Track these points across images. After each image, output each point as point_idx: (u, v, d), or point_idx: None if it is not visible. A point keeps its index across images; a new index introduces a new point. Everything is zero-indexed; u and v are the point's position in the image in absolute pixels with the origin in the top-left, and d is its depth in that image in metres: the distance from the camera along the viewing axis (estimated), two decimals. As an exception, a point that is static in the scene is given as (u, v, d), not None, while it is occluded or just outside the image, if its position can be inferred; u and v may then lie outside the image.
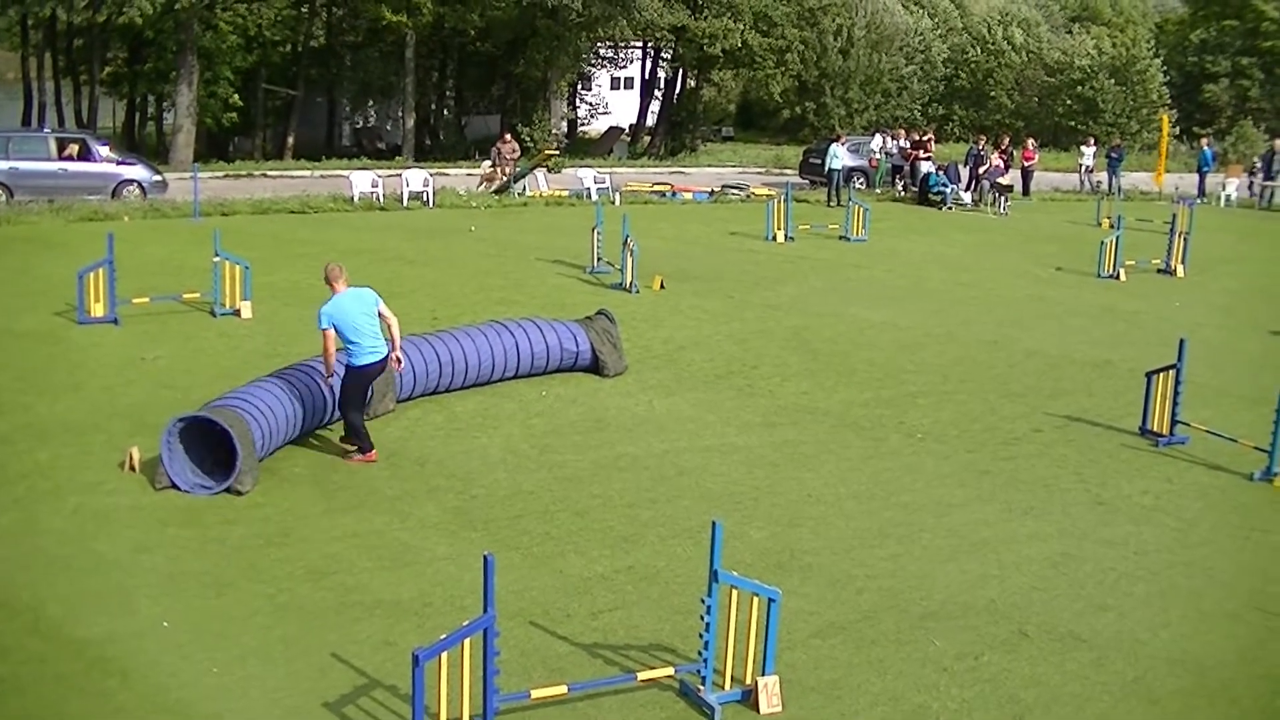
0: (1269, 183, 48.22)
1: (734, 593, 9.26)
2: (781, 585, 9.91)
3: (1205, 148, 50.64)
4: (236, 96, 54.00)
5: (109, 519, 12.55)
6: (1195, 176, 49.51)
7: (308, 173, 46.73)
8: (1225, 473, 15.42)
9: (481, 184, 40.45)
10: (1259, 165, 49.36)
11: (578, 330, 18.39)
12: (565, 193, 39.55)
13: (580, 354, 18.31)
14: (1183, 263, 30.10)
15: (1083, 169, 49.90)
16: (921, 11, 77.75)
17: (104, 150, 35.76)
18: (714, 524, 9.04)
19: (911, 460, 15.30)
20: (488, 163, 42.34)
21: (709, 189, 42.42)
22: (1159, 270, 30.06)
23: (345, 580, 11.31)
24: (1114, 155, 49.14)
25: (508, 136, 42.82)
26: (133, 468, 13.72)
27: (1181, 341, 16.40)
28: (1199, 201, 43.82)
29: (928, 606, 11.25)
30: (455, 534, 12.43)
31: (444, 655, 8.23)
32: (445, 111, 68.48)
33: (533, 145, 52.21)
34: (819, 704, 9.50)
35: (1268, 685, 10.16)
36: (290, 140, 57.57)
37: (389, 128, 66.88)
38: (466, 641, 8.30)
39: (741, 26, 59.04)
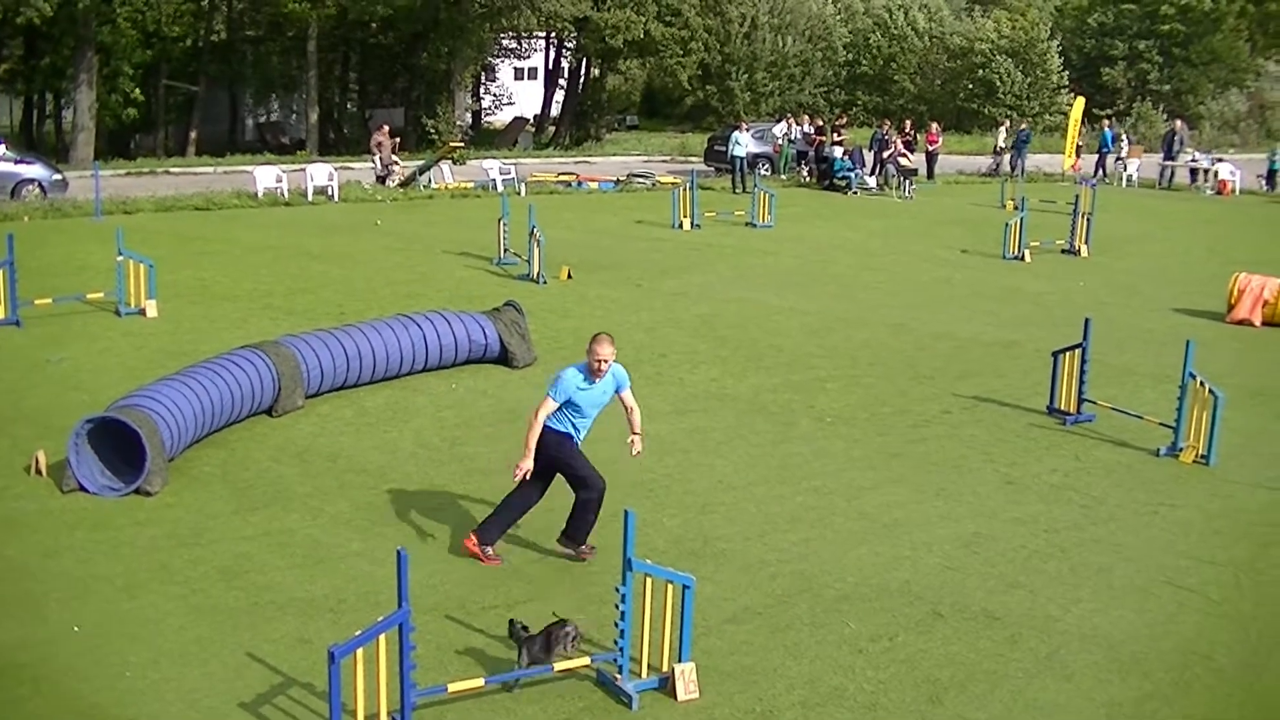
0: (1169, 163, 48.97)
1: (648, 580, 9.27)
2: (695, 572, 9.93)
3: (1106, 129, 51.36)
4: (138, 92, 53.31)
5: (16, 524, 12.36)
6: (1096, 157, 50.20)
7: (211, 169, 46.23)
8: (1132, 449, 15.64)
9: (387, 179, 40.20)
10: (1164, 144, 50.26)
11: (485, 322, 18.34)
12: (471, 185, 39.43)
13: (489, 346, 18.26)
14: (1086, 243, 30.53)
15: (996, 151, 50.45)
16: (823, -2, 78.29)
17: (1, 149, 35.20)
18: (626, 513, 9.05)
19: (822, 444, 15.40)
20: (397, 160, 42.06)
21: (615, 178, 42.43)
22: (1063, 251, 30.45)
23: (258, 579, 11.22)
24: (1020, 137, 49.70)
25: (385, 128, 42.39)
26: (40, 471, 13.52)
27: (1086, 321, 16.64)
28: (1097, 181, 44.37)
29: (841, 589, 11.32)
30: (368, 529, 12.37)
31: (360, 651, 8.18)
32: (349, 105, 68.02)
33: (437, 138, 51.96)
34: (735, 689, 9.54)
35: (1178, 658, 10.31)
36: (193, 136, 56.93)
37: (292, 122, 66.30)
38: (382, 637, 8.25)
39: (645, 18, 59.06)
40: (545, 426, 11.42)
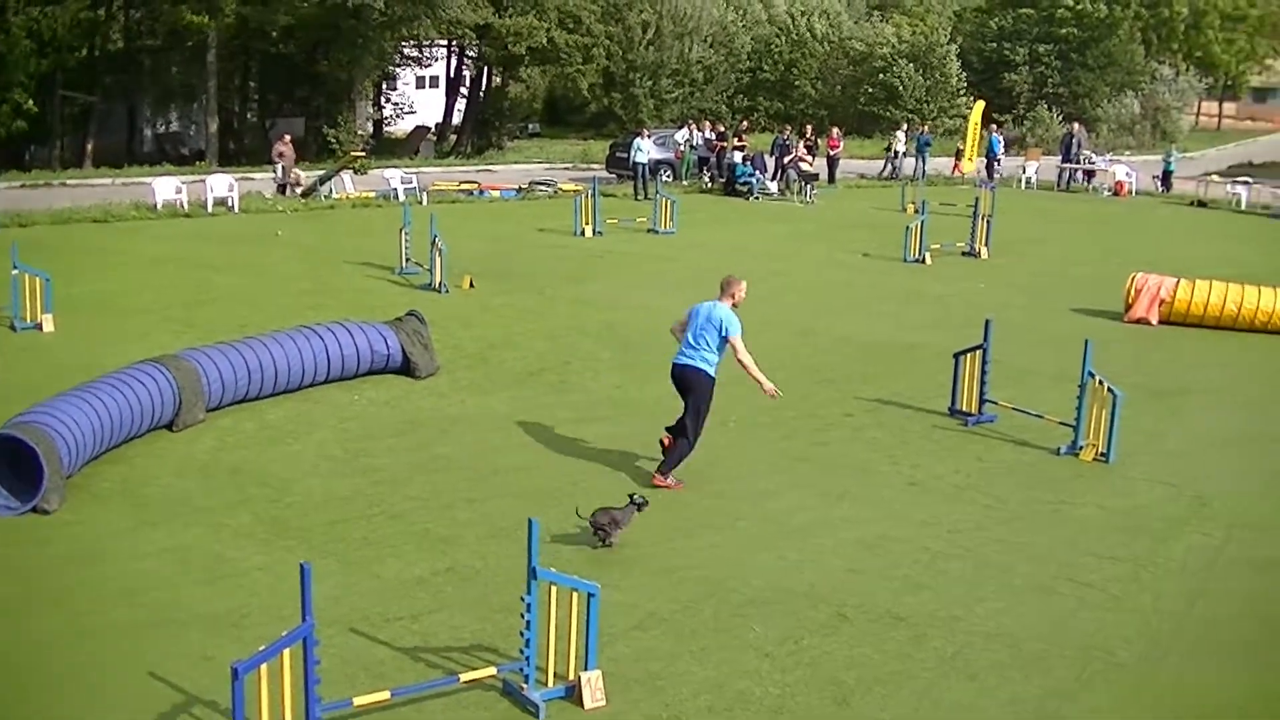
0: (1067, 164, 49.63)
1: (553, 589, 9.26)
2: (600, 579, 9.92)
3: (994, 135, 52.02)
4: (30, 104, 52.44)
5: (-94, 545, 12.15)
6: (996, 161, 50.78)
7: (109, 181, 45.50)
8: (1033, 448, 15.85)
9: (288, 189, 39.83)
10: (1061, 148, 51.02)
11: (388, 332, 18.25)
12: (372, 194, 39.19)
13: (391, 356, 18.18)
14: (986, 245, 30.88)
15: (893, 155, 50.91)
16: (726, 4, 78.49)
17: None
18: (530, 521, 9.04)
19: (726, 450, 15.44)
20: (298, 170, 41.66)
21: (517, 186, 42.33)
22: (964, 253, 30.79)
23: (160, 596, 11.08)
24: (922, 141, 50.18)
25: (287, 138, 41.99)
26: (-69, 491, 13.29)
27: (987, 322, 16.85)
28: (995, 184, 44.86)
29: (747, 594, 11.37)
30: (271, 543, 12.26)
31: (263, 667, 8.10)
32: (249, 115, 67.31)
33: (338, 147, 51.60)
34: (642, 696, 9.55)
35: (1080, 654, 10.45)
36: (90, 148, 56.00)
37: (192, 133, 65.50)
38: (286, 652, 8.18)
39: (547, 25, 58.98)
40: (704, 368, 13.94)
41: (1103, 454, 15.45)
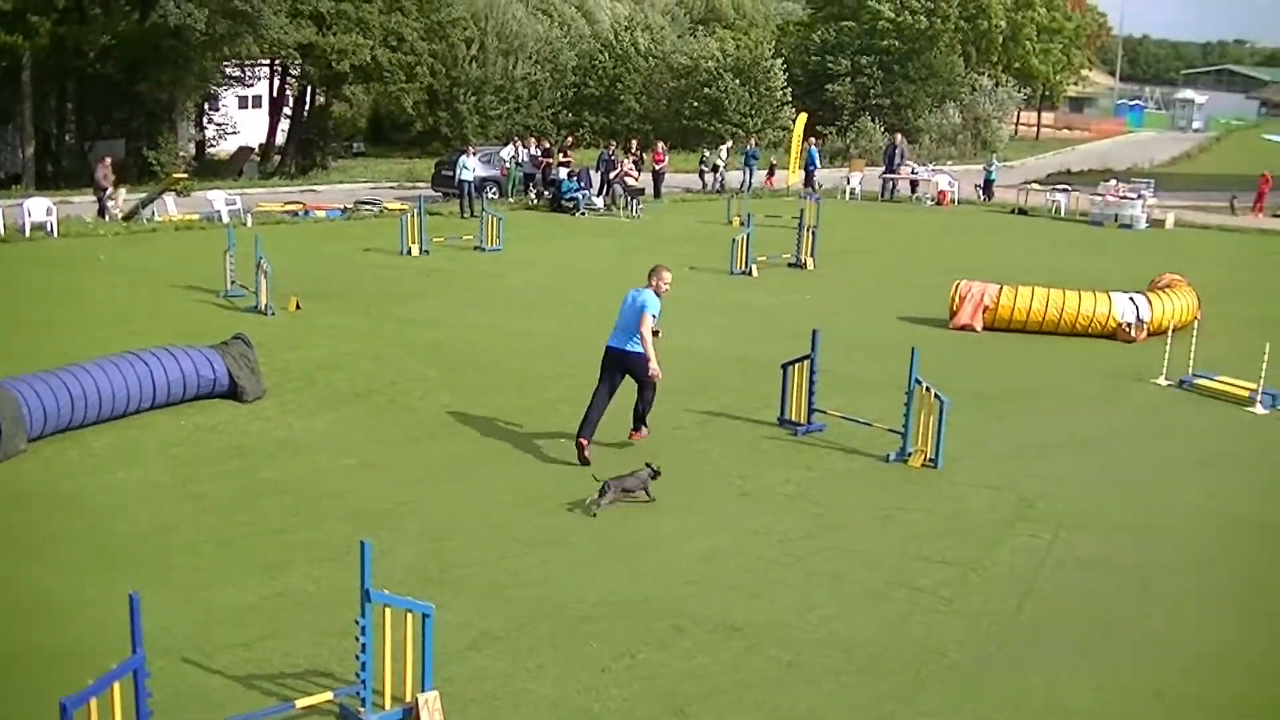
0: (890, 175, 50.52)
1: (387, 611, 9.25)
2: (434, 600, 9.93)
3: (812, 148, 52.82)
4: None
5: None
6: (825, 172, 51.54)
7: (-83, 206, 44.37)
8: (862, 456, 16.16)
9: (107, 212, 39.04)
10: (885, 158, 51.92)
11: (213, 356, 18.02)
12: (196, 216, 38.56)
13: (217, 380, 17.95)
14: (812, 256, 31.33)
15: (714, 168, 51.37)
16: (550, 20, 78.69)
17: None
18: (362, 543, 9.02)
19: (557, 466, 15.51)
20: (122, 192, 40.79)
21: (342, 206, 41.97)
22: (790, 264, 31.22)
23: (-20, 632, 10.86)
24: (749, 154, 50.74)
25: (108, 160, 41.15)
26: None
27: (814, 332, 17.15)
28: (818, 196, 45.52)
29: (582, 610, 11.44)
30: (99, 574, 12.03)
31: (93, 702, 7.96)
32: (67, 137, 65.82)
33: (160, 169, 50.78)
34: (480, 715, 9.57)
35: (913, 657, 10.70)
36: (-100, 172, 54.58)
37: (7, 155, 63.97)
38: (116, 685, 8.07)
39: (371, 43, 58.60)
40: (634, 350, 15.56)
41: (930, 460, 15.81)
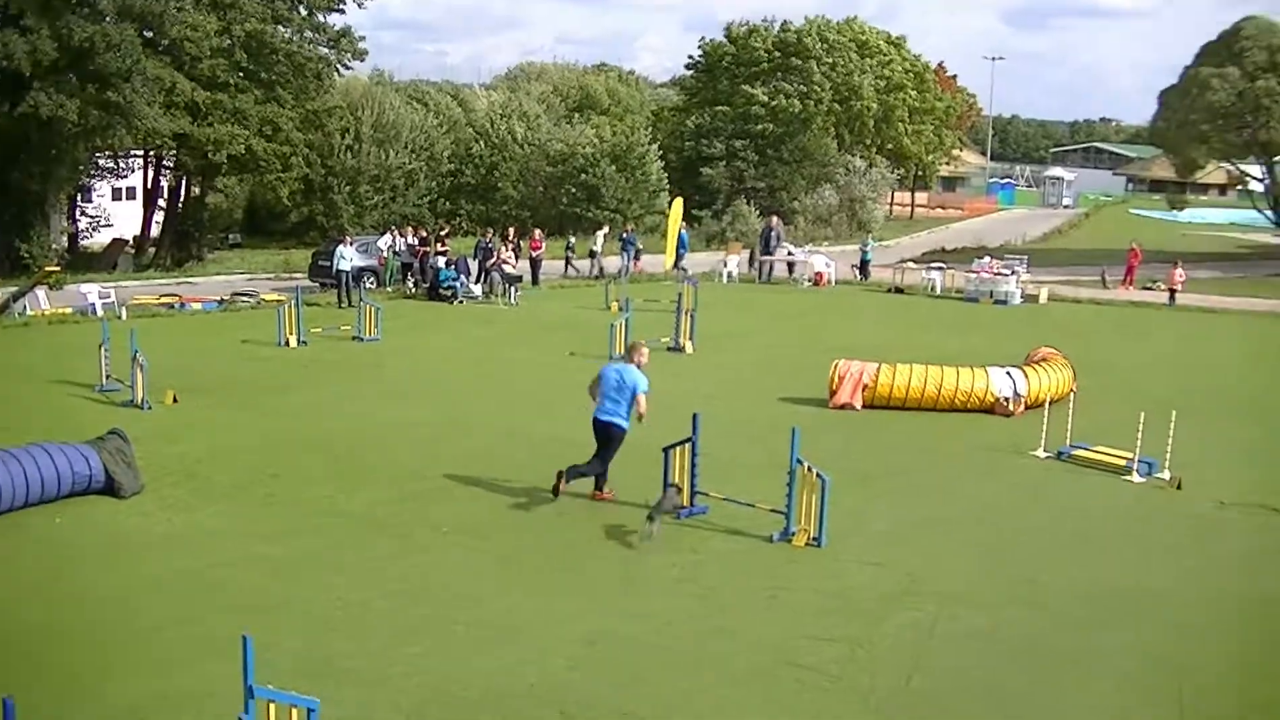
0: (767, 257, 50.98)
1: (271, 707, 9.10)
2: (318, 693, 9.78)
3: (682, 232, 53.25)
4: None
5: None
6: (702, 255, 51.93)
7: None
8: (746, 537, 16.20)
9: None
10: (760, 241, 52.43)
11: (89, 452, 17.71)
12: (69, 310, 38.01)
13: (93, 476, 17.62)
14: (691, 339, 31.45)
15: (591, 254, 51.58)
16: (426, 109, 78.89)
17: None
18: (245, 638, 8.89)
19: (440, 555, 15.41)
20: None
21: (219, 298, 41.59)
22: (669, 348, 31.29)
23: None
24: (626, 239, 51.00)
25: None
26: None
27: (695, 415, 17.19)
28: (695, 279, 45.82)
29: (468, 698, 11.35)
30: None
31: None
32: (-65, 229, 64.85)
33: (31, 262, 50.06)
34: (364, 811, 9.43)
35: (799, 736, 10.70)
36: None
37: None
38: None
39: (246, 133, 58.35)
40: (621, 422, 17.53)
41: (814, 539, 15.89)
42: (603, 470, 17.92)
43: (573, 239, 54.22)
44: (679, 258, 51.93)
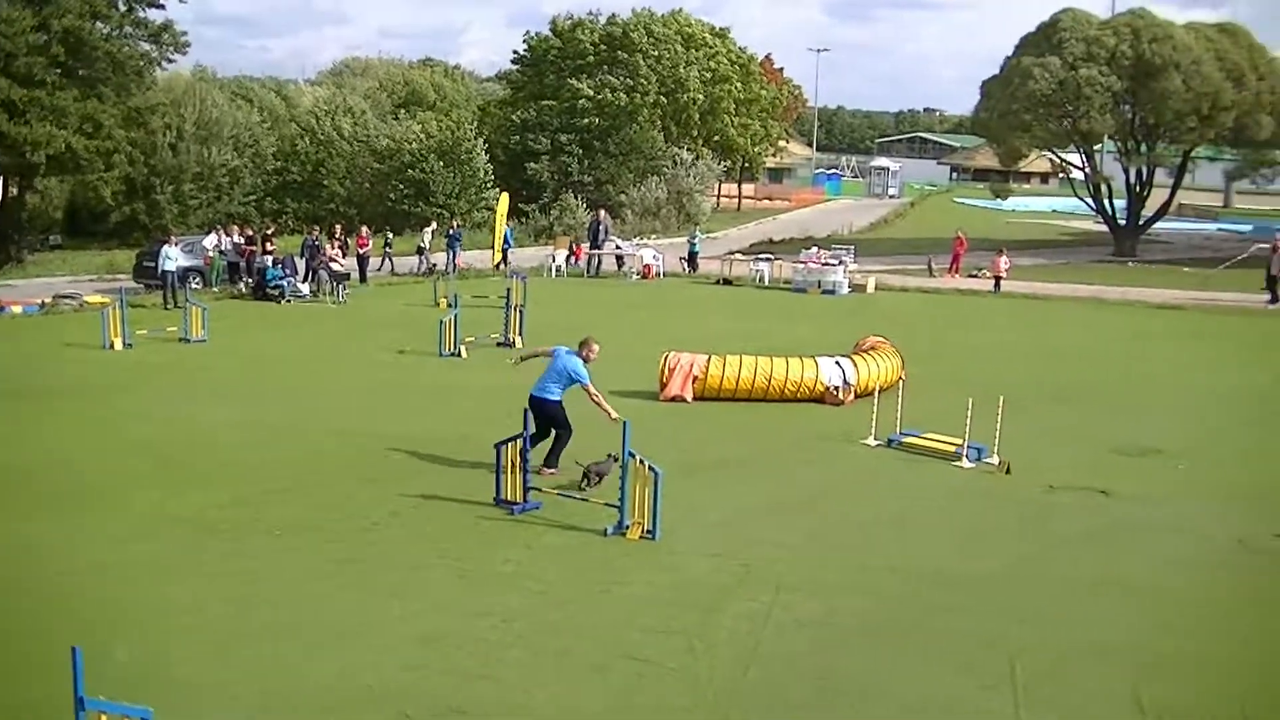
0: (595, 251, 51.15)
1: (103, 718, 8.97)
2: (154, 702, 9.64)
3: (507, 228, 53.29)
4: None
5: None
6: (532, 250, 51.91)
7: None
8: (580, 531, 16.28)
9: None
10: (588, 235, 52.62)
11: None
12: (-128, 319, 37.03)
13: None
14: (521, 335, 31.47)
15: (419, 250, 51.31)
16: (250, 105, 77.78)
17: None
18: (74, 650, 8.76)
19: (273, 558, 15.25)
20: None
21: (40, 301, 40.65)
22: (499, 344, 31.29)
23: None
24: (452, 235, 50.78)
25: None
26: None
27: (525, 410, 17.28)
28: (524, 275, 45.81)
29: (305, 702, 11.27)
30: None
31: None
32: None
33: None
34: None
35: (639, 727, 10.81)
36: None
37: None
38: None
39: (66, 132, 57.00)
40: (552, 399, 18.89)
41: (649, 531, 16.02)
42: (567, 437, 19.12)
43: (390, 235, 53.84)
44: (505, 253, 51.86)
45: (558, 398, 18.97)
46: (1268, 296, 46.14)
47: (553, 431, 19.05)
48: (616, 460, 16.96)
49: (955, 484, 19.50)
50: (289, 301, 40.78)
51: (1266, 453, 22.51)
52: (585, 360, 19.26)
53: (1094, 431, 23.52)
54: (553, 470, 18.77)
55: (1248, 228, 77.14)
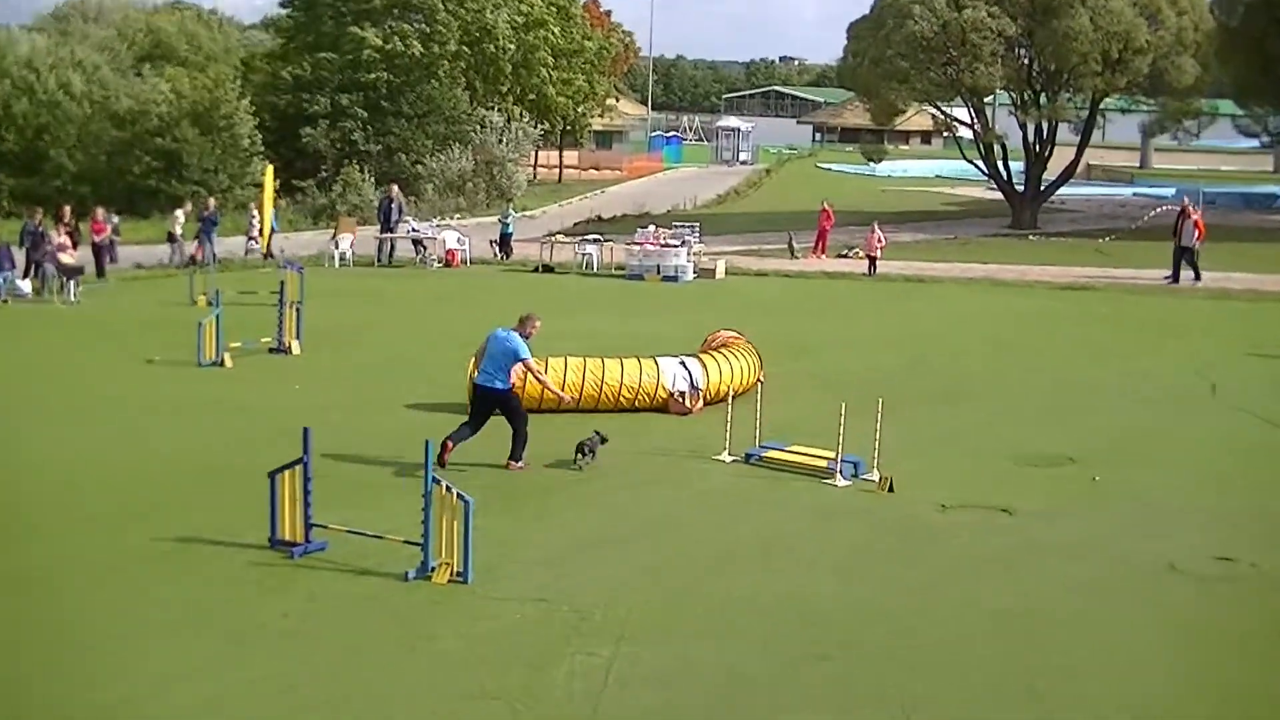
0: (387, 234, 50.78)
1: None
2: None
3: (271, 210, 52.95)
4: None
5: None
6: (309, 235, 51.42)
7: None
8: (376, 576, 16.07)
9: None
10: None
11: None
12: None
13: None
14: (297, 338, 31.07)
15: (170, 237, 50.46)
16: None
17: None
18: None
19: (11, 615, 14.80)
20: None
21: None
22: (271, 350, 30.86)
23: None
24: (207, 219, 49.93)
25: None
26: None
27: (306, 431, 16.90)
28: (295, 266, 45.36)
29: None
30: None
31: None
32: None
33: None
34: None
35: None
36: None
37: None
38: None
39: None
40: (501, 387, 21.03)
41: (459, 574, 15.86)
42: (524, 431, 21.16)
43: (115, 218, 52.82)
44: (270, 239, 51.30)
45: (507, 385, 21.17)
46: (1169, 273, 47.04)
47: (487, 423, 21.32)
48: (604, 440, 21.22)
49: (828, 505, 19.60)
50: (6, 302, 39.92)
51: (1199, 458, 22.94)
52: (526, 338, 21.31)
53: (992, 438, 23.82)
54: (520, 465, 20.97)
55: (1169, 191, 78.69)
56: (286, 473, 16.93)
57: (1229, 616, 15.55)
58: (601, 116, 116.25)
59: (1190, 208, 47.89)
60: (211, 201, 54.21)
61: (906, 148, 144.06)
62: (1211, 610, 15.79)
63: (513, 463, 21.02)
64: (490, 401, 21.21)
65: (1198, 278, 46.50)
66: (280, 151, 71.29)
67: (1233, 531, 18.64)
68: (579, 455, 21.06)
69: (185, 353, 29.78)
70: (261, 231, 52.37)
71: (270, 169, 56.55)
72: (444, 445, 20.49)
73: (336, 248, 50.03)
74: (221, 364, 29.39)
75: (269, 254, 50.56)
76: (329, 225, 59.65)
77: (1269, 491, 20.86)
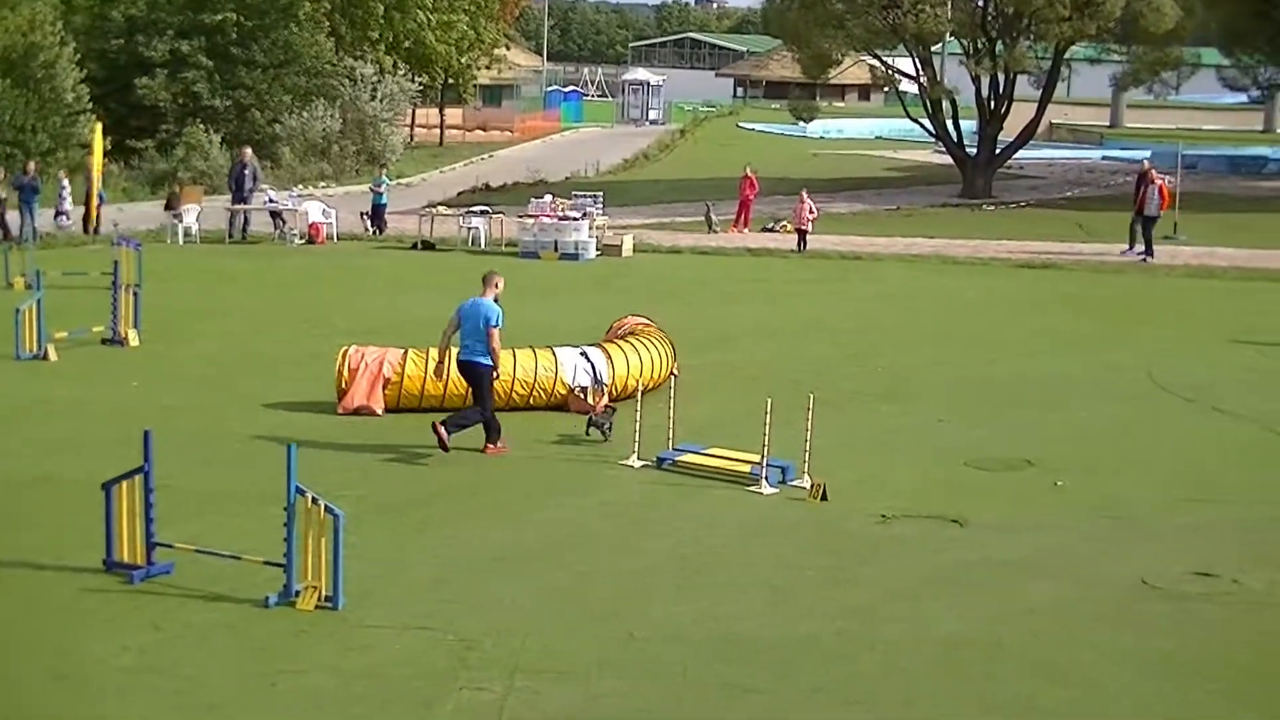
0: (240, 206, 50.49)
1: None
2: None
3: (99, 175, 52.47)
4: None
5: None
6: (148, 206, 50.94)
7: None
8: (232, 602, 16.00)
9: None
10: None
11: None
12: None
13: None
14: (135, 327, 30.86)
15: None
16: None
17: None
18: None
19: None
20: None
21: None
22: (105, 340, 30.64)
23: None
24: (26, 185, 49.44)
25: None
26: None
27: (147, 435, 16.81)
28: (131, 242, 45.10)
29: None
30: None
31: None
32: None
33: None
34: None
35: None
36: None
37: None
38: None
39: None
40: (476, 360, 22.12)
41: (328, 598, 15.84)
42: (487, 419, 22.45)
43: None
44: (88, 211, 50.81)
45: (488, 360, 22.25)
46: (1126, 245, 47.38)
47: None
48: (613, 411, 23.53)
49: (753, 516, 19.69)
50: None
51: (1175, 461, 23.16)
52: (495, 298, 22.58)
53: (940, 439, 23.98)
54: (445, 433, 21.81)
55: (1145, 154, 79.10)
56: (124, 484, 16.84)
57: (1209, 641, 15.65)
58: (489, 68, 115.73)
59: (1153, 172, 48.11)
60: (31, 165, 53.76)
61: (842, 105, 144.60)
62: (1190, 634, 15.89)
63: (490, 445, 22.46)
64: (477, 375, 22.29)
65: (1149, 252, 46.93)
66: (111, 107, 70.68)
67: (1212, 544, 18.78)
68: (596, 429, 23.03)
69: (1, 345, 29.60)
70: (89, 202, 51.88)
71: (99, 127, 56.04)
72: (441, 431, 21.74)
73: (180, 221, 49.71)
74: (45, 357, 29.18)
75: (95, 229, 50.09)
76: (170, 194, 59.28)
77: (1253, 499, 21.11)
